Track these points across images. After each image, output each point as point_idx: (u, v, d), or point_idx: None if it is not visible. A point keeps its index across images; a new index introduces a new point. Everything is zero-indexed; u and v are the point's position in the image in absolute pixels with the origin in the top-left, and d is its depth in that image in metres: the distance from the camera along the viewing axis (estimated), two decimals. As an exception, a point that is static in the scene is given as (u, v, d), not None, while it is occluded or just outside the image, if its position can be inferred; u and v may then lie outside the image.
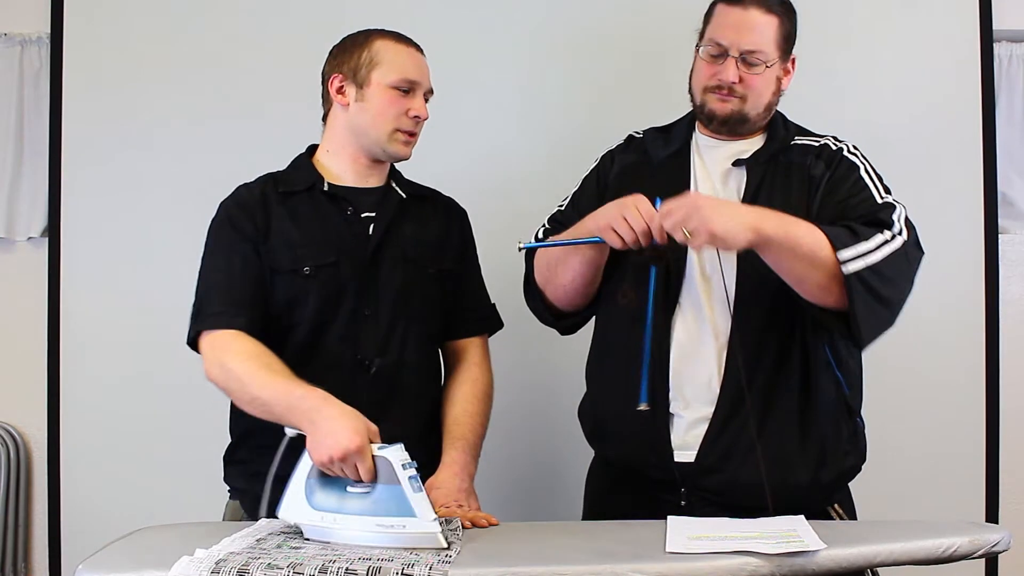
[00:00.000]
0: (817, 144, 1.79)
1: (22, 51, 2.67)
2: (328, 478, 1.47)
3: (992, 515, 2.52)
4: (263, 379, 1.60)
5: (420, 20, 2.47)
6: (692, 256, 1.73)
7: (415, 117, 1.78)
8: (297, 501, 1.47)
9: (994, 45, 2.56)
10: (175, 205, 2.53)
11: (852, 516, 1.78)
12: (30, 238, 2.69)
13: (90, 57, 2.61)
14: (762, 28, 1.72)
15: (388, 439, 1.69)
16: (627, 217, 1.59)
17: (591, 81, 2.53)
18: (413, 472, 1.44)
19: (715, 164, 1.80)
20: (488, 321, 1.93)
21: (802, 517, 1.51)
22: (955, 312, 2.54)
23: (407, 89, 1.77)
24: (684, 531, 1.47)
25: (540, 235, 1.88)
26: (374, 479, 1.44)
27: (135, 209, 2.59)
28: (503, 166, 2.48)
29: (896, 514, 1.97)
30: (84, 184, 2.61)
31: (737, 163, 1.78)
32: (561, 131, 2.48)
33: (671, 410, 1.73)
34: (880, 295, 1.60)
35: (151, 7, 2.61)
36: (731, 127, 1.78)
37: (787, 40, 1.77)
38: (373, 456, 1.45)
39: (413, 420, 1.79)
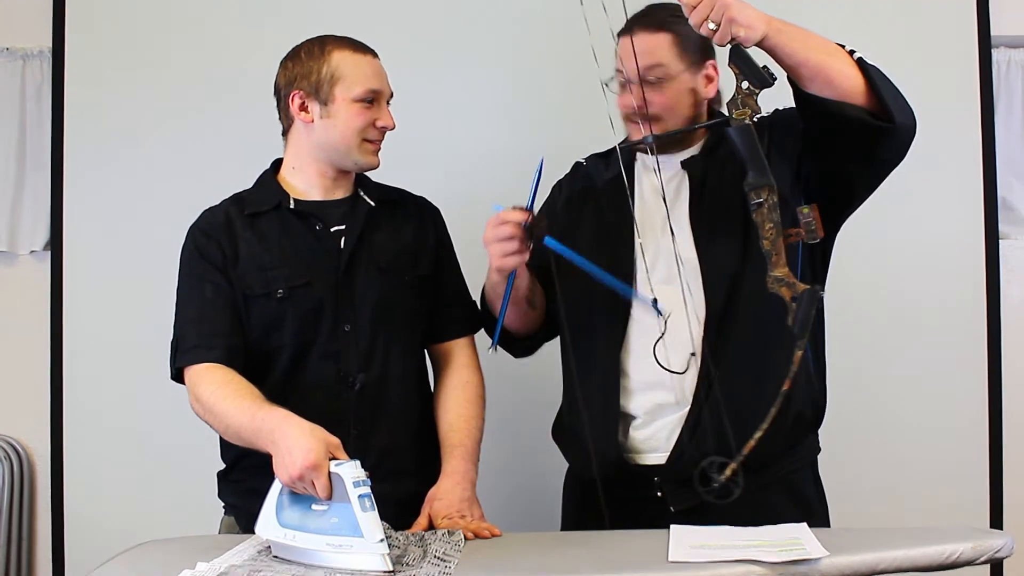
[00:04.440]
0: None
1: (24, 65, 2.68)
2: (296, 495, 1.46)
3: (996, 521, 2.51)
4: (230, 407, 1.60)
5: (415, 23, 2.50)
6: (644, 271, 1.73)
7: (382, 128, 1.77)
8: (268, 517, 1.47)
9: (992, 51, 2.57)
10: (177, 218, 2.49)
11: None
12: (32, 251, 2.70)
13: (92, 71, 2.62)
14: (654, 47, 1.72)
15: (377, 451, 1.69)
16: (498, 232, 1.66)
17: (581, 84, 2.50)
18: (365, 490, 1.40)
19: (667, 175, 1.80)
20: (472, 320, 1.90)
21: (804, 525, 1.51)
22: (956, 317, 2.54)
23: (371, 100, 1.75)
24: (686, 540, 1.47)
25: None
26: (331, 496, 1.42)
27: (137, 222, 2.59)
28: (489, 169, 2.47)
29: (899, 520, 1.97)
30: (86, 198, 2.62)
31: (683, 164, 1.79)
32: (549, 134, 2.47)
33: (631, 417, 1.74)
34: (895, 89, 1.62)
35: (152, 21, 2.61)
36: (660, 147, 1.77)
37: (690, 50, 1.73)
38: (330, 473, 1.43)
39: (402, 431, 1.78)
